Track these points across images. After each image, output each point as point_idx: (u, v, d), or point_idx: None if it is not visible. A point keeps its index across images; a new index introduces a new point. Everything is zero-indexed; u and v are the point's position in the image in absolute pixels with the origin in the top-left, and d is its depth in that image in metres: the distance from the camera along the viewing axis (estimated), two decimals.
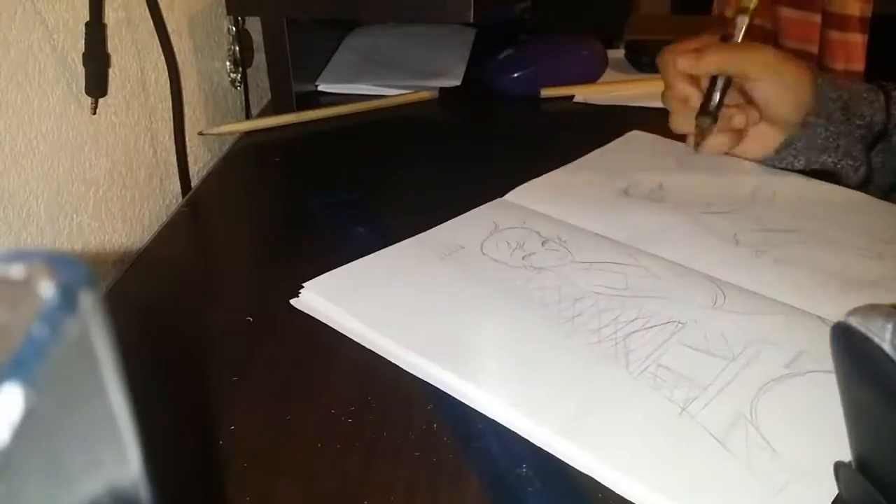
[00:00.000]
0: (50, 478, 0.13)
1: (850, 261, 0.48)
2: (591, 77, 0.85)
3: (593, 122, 0.77)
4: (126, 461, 0.15)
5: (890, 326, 0.26)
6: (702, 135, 0.60)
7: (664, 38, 0.95)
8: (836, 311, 0.36)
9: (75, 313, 0.13)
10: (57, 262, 0.14)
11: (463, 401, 0.39)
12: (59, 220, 0.52)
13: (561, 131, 0.76)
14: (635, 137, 0.70)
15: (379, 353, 0.42)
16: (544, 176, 0.62)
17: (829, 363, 0.39)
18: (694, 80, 0.60)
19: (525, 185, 0.60)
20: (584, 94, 0.82)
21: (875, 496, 0.29)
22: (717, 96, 0.59)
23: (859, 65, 1.44)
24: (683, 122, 0.62)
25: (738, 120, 0.60)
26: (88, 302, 0.14)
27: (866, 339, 0.27)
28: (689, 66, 0.59)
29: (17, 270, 0.14)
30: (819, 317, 0.44)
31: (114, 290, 0.50)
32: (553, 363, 0.41)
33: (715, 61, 0.59)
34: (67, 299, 0.13)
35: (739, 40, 0.60)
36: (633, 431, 0.36)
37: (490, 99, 0.82)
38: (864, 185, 0.59)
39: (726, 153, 0.62)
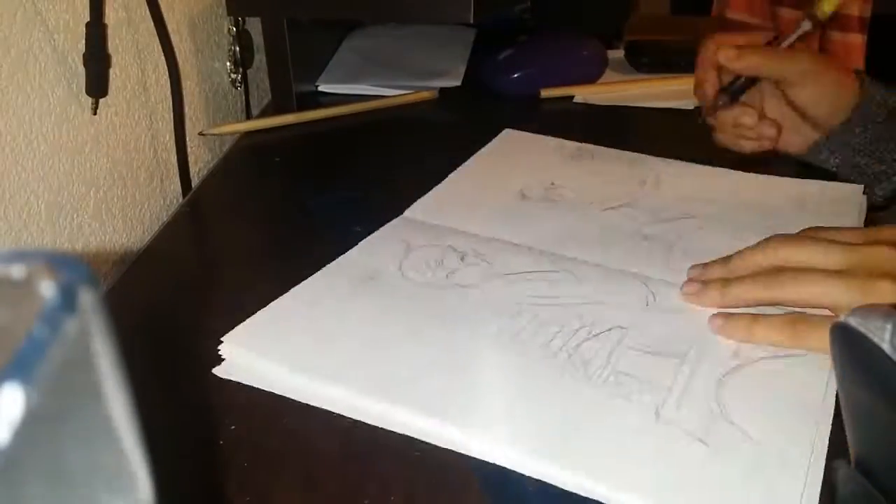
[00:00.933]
0: (50, 478, 0.13)
1: (749, 240, 0.47)
2: (590, 77, 0.85)
3: (593, 122, 0.77)
4: (126, 461, 0.15)
5: (889, 326, 0.26)
6: (713, 109, 0.62)
7: (664, 38, 0.95)
8: None
9: (75, 313, 0.13)
10: (57, 262, 0.14)
11: (438, 444, 0.36)
12: (59, 220, 0.52)
13: (561, 131, 0.76)
14: (511, 137, 0.70)
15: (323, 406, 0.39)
16: (436, 188, 0.60)
17: (772, 349, 0.41)
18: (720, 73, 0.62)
19: (421, 199, 0.58)
20: (583, 94, 0.82)
21: (875, 496, 0.29)
22: (741, 81, 0.61)
23: (859, 65, 1.44)
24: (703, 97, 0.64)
25: (748, 119, 0.60)
26: (88, 302, 0.14)
27: (866, 339, 0.27)
28: (728, 59, 0.59)
29: (17, 270, 0.14)
30: None
31: (114, 290, 0.50)
32: (516, 386, 0.40)
33: (755, 62, 0.59)
34: (67, 299, 0.13)
35: (789, 44, 0.60)
36: (620, 444, 0.36)
37: (490, 99, 0.82)
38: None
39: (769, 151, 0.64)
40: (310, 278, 0.48)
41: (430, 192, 0.60)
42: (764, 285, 0.42)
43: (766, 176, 0.61)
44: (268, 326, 0.44)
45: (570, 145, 0.68)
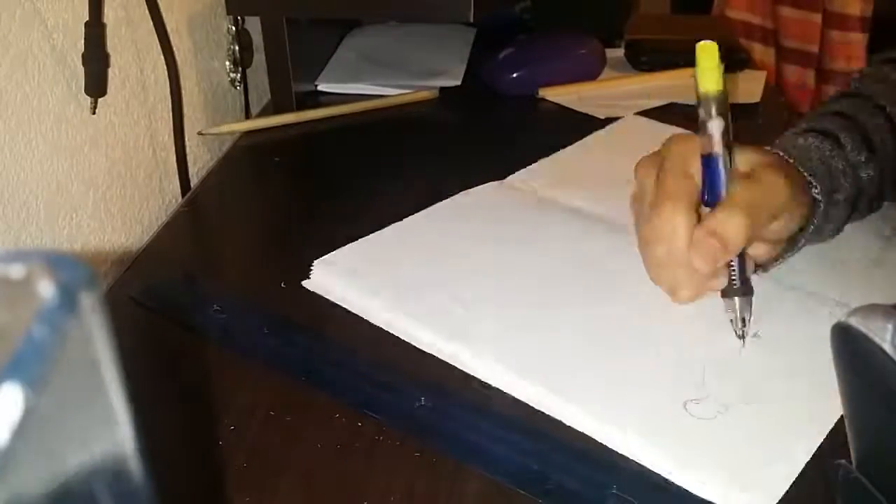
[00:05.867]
0: (50, 478, 0.12)
1: None
2: (590, 76, 0.85)
3: (593, 121, 0.77)
4: (126, 461, 0.15)
5: (890, 326, 0.26)
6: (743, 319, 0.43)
7: (664, 37, 0.95)
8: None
9: (75, 313, 0.13)
10: (57, 262, 0.14)
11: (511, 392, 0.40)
12: (58, 220, 0.52)
13: (561, 131, 0.76)
14: (633, 123, 0.72)
15: (391, 330, 0.44)
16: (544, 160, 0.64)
17: None
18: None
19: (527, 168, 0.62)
20: (582, 93, 0.82)
21: (875, 496, 0.29)
22: (748, 265, 0.44)
23: (860, 64, 1.44)
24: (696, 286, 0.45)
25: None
26: (88, 302, 0.14)
27: (866, 339, 0.27)
28: (719, 258, 0.42)
29: (16, 270, 0.14)
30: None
31: (114, 290, 0.50)
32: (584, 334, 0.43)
33: (741, 234, 0.41)
34: (67, 299, 0.13)
35: (719, 149, 0.43)
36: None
37: (490, 99, 0.82)
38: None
39: None
40: (407, 219, 0.54)
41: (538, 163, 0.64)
42: None
43: None
44: (357, 254, 0.51)
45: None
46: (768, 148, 0.47)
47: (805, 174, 0.46)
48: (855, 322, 0.27)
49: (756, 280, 0.45)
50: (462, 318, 0.44)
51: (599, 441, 0.37)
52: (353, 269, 0.49)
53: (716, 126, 0.43)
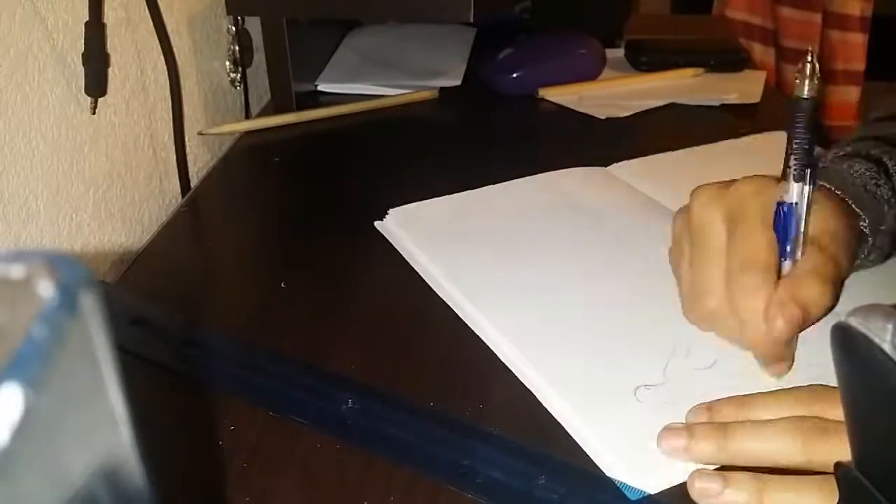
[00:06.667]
0: (50, 478, 0.12)
1: None
2: (590, 76, 0.85)
3: (593, 121, 0.77)
4: (126, 461, 0.15)
5: (890, 326, 0.26)
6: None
7: (664, 37, 0.95)
8: None
9: (75, 313, 0.13)
10: (57, 262, 0.14)
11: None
12: (58, 220, 0.52)
13: (561, 130, 0.76)
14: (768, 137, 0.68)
15: (438, 292, 0.47)
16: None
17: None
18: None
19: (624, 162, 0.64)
20: (582, 93, 0.82)
21: (875, 496, 0.29)
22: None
23: (859, 64, 1.44)
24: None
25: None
26: (88, 302, 0.14)
27: (866, 339, 0.27)
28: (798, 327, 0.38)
29: (17, 270, 0.14)
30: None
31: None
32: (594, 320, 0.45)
33: (824, 303, 0.38)
34: (67, 299, 0.13)
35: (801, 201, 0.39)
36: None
37: (490, 99, 0.82)
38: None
39: None
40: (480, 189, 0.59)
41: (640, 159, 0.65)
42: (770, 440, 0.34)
43: None
44: (426, 211, 0.56)
45: None
46: (822, 183, 0.43)
47: (853, 205, 0.43)
48: (854, 322, 0.27)
49: None
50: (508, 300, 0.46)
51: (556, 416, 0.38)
52: (421, 223, 0.54)
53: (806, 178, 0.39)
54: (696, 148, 0.66)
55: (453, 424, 0.38)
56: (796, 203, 0.39)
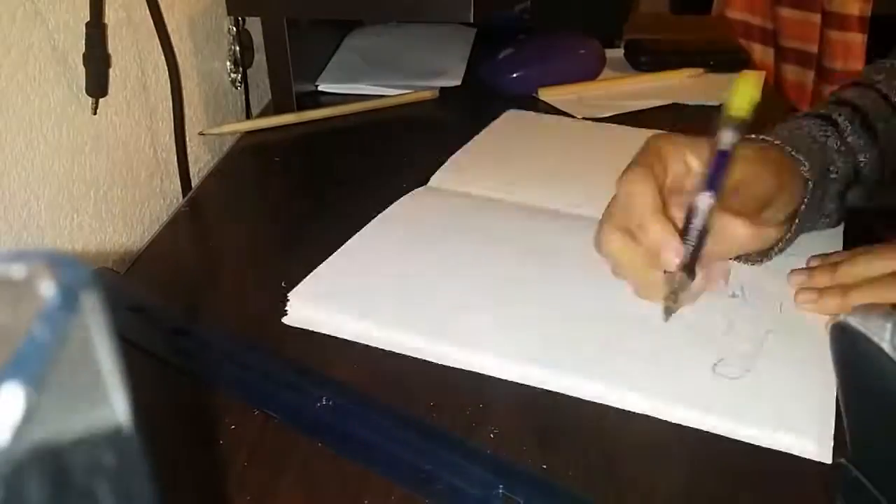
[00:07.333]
0: (50, 478, 0.13)
1: None
2: (589, 76, 0.85)
3: (592, 121, 0.77)
4: (126, 461, 0.15)
5: (889, 326, 0.26)
6: (675, 296, 0.43)
7: (663, 37, 0.95)
8: None
9: (75, 313, 0.13)
10: (57, 262, 0.14)
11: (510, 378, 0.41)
12: (59, 220, 0.52)
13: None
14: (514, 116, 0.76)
15: (386, 347, 0.43)
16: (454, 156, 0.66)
17: None
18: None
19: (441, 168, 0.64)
20: (582, 93, 0.82)
21: (875, 496, 0.29)
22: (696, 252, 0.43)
23: (859, 64, 1.44)
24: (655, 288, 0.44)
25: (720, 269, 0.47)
26: (88, 302, 0.14)
27: (866, 339, 0.27)
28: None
29: (17, 270, 0.14)
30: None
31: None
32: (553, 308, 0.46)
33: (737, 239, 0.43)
34: (68, 299, 0.13)
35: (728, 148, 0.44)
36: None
37: (490, 99, 0.82)
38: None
39: None
40: (356, 235, 0.53)
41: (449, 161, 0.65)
42: (886, 290, 0.43)
43: None
44: (327, 279, 0.49)
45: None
46: (754, 136, 0.48)
47: (793, 153, 0.47)
48: (854, 321, 0.27)
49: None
50: (450, 319, 0.45)
51: (654, 416, 0.39)
52: (326, 293, 0.47)
53: (730, 134, 0.43)
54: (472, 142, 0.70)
55: (421, 428, 0.37)
56: (727, 151, 0.43)
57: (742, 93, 0.43)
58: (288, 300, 0.46)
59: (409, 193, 0.59)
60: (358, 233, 0.53)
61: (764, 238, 0.45)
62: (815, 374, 0.40)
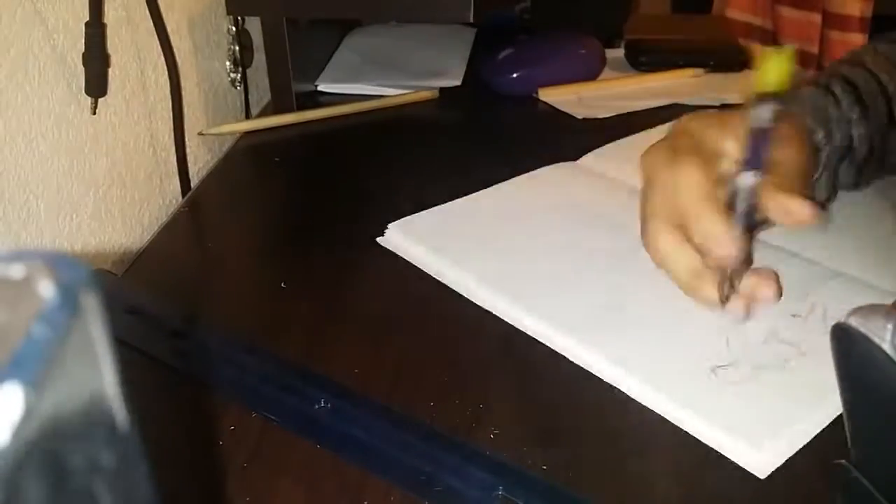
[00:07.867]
0: (50, 478, 0.12)
1: None
2: (589, 76, 0.85)
3: (592, 120, 0.77)
4: (125, 461, 0.15)
5: (890, 326, 0.26)
6: (730, 282, 0.43)
7: (663, 37, 0.95)
8: None
9: (75, 313, 0.13)
10: (57, 262, 0.14)
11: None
12: (58, 221, 0.52)
13: (560, 130, 0.76)
14: None
15: (458, 290, 0.47)
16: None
17: None
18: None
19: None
20: (582, 93, 0.82)
21: (875, 496, 0.29)
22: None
23: None
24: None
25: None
26: (88, 302, 0.14)
27: (866, 339, 0.27)
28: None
29: (17, 270, 0.14)
30: None
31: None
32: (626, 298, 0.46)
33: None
34: (67, 299, 0.13)
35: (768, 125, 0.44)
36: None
37: (490, 99, 0.82)
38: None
39: None
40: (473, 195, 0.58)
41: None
42: None
43: None
44: (431, 219, 0.55)
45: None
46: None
47: (808, 122, 0.49)
48: (855, 322, 0.27)
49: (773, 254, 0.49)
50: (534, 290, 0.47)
51: (643, 403, 0.39)
52: (425, 231, 0.54)
53: (768, 109, 0.44)
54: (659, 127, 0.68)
55: (420, 430, 0.37)
56: (767, 128, 0.44)
57: (774, 68, 0.43)
58: (387, 228, 0.53)
59: (553, 165, 0.63)
60: (493, 187, 0.59)
61: (823, 215, 0.46)
62: (817, 399, 0.39)
